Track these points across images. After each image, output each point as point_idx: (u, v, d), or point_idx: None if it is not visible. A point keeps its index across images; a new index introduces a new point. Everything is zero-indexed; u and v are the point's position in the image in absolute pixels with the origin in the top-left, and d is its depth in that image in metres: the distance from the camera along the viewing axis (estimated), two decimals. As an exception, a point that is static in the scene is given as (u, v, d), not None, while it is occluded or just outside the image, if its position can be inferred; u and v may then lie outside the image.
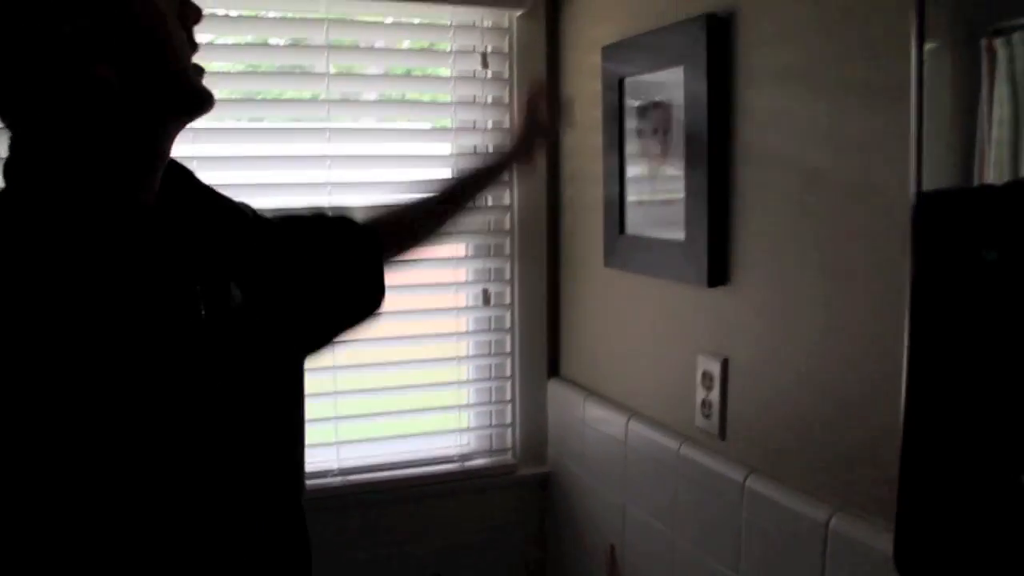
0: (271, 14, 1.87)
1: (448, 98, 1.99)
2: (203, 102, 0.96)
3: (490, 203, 2.02)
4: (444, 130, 2.00)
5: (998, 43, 0.93)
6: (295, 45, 1.91)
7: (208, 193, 1.08)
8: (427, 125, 2.05)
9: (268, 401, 1.07)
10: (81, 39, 0.84)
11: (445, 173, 2.01)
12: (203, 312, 0.95)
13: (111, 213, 0.90)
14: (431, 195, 1.47)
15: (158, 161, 0.96)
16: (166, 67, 0.91)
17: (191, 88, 0.95)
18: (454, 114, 1.98)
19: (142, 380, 0.86)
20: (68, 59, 0.85)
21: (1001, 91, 0.90)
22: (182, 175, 1.04)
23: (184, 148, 1.71)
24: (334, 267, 1.27)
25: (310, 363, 1.21)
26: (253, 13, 1.84)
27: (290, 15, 1.88)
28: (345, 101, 1.89)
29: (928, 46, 0.97)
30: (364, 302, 1.33)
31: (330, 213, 1.35)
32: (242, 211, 1.14)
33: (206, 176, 1.09)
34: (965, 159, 0.97)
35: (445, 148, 2.01)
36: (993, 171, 0.93)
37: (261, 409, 1.05)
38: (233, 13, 1.81)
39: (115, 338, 0.84)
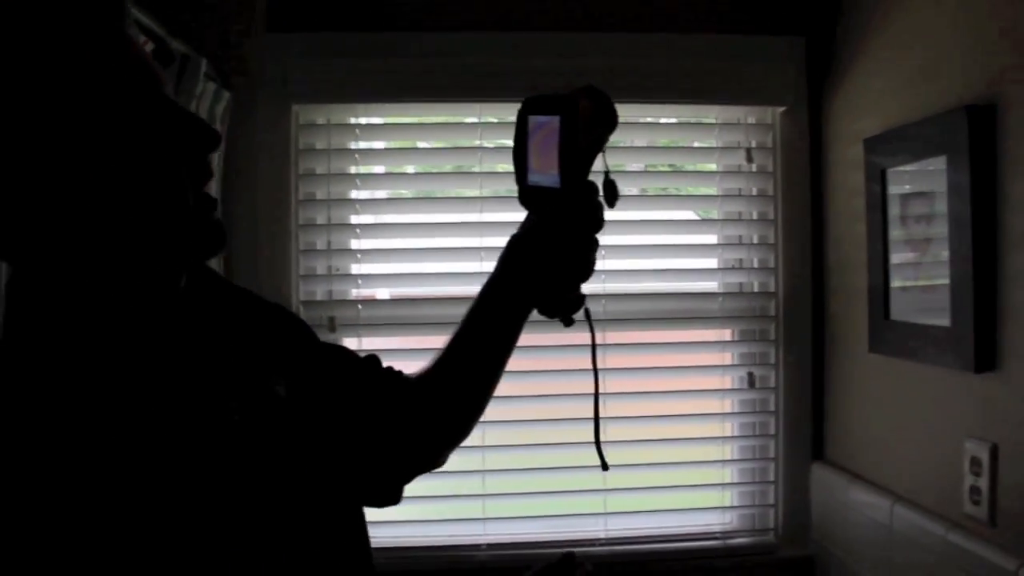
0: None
1: (714, 191, 2.12)
2: (205, 246, 0.84)
3: (756, 290, 2.11)
4: (710, 221, 2.13)
5: None
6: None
7: (242, 292, 1.00)
8: (694, 216, 2.18)
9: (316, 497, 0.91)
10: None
11: (711, 262, 2.13)
12: (236, 410, 0.84)
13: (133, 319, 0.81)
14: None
15: (175, 291, 0.85)
16: (150, 217, 0.77)
17: (182, 232, 0.80)
18: (720, 206, 2.11)
19: (170, 489, 0.74)
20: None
21: None
22: (209, 278, 0.95)
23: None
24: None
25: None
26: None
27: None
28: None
29: None
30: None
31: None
32: (284, 308, 1.05)
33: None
34: None
35: (711, 238, 2.13)
36: None
37: (308, 506, 0.89)
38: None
39: (137, 442, 0.74)
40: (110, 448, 0.72)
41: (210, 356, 0.86)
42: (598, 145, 1.01)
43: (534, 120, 0.98)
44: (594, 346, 1.07)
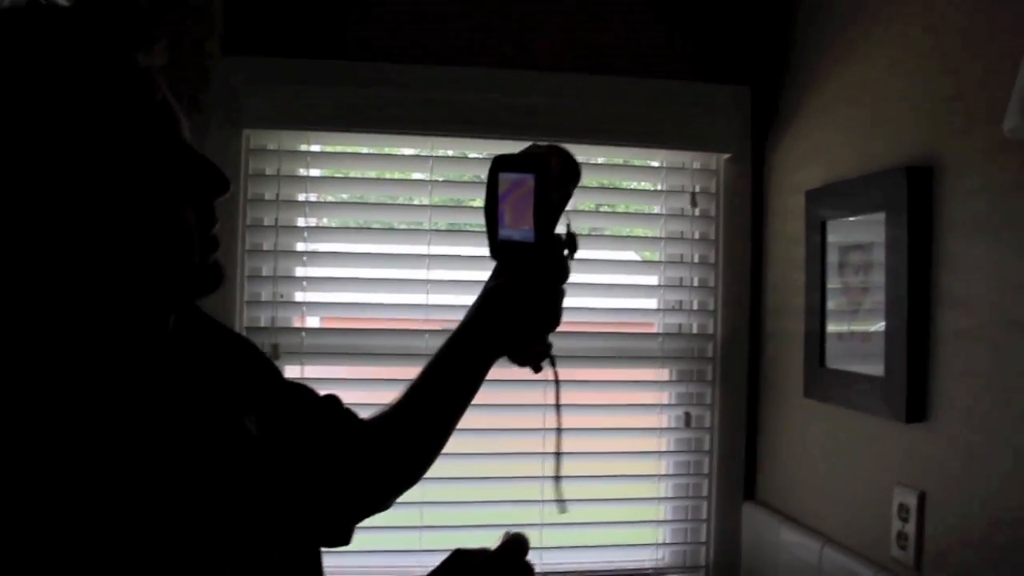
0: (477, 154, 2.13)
1: (658, 233, 2.16)
2: (203, 287, 0.85)
3: (695, 331, 2.16)
4: (653, 263, 2.18)
5: None
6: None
7: (217, 325, 1.01)
8: (636, 257, 2.22)
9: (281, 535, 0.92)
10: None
11: (652, 303, 2.17)
12: (214, 442, 0.85)
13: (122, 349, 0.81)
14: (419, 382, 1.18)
15: (164, 328, 0.86)
16: (155, 256, 0.79)
17: (186, 276, 0.82)
18: (663, 248, 2.16)
19: (144, 520, 0.73)
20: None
21: None
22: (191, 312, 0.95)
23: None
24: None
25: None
26: (467, 154, 2.10)
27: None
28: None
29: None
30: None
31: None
32: (254, 344, 1.08)
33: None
34: None
35: (653, 279, 2.18)
36: None
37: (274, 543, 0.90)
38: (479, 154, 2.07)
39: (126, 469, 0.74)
40: (86, 475, 0.71)
41: (190, 389, 0.87)
42: (566, 201, 1.07)
43: (506, 177, 1.04)
44: (558, 389, 1.13)
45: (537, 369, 1.12)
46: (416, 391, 1.15)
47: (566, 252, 1.07)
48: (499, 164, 1.05)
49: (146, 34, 0.81)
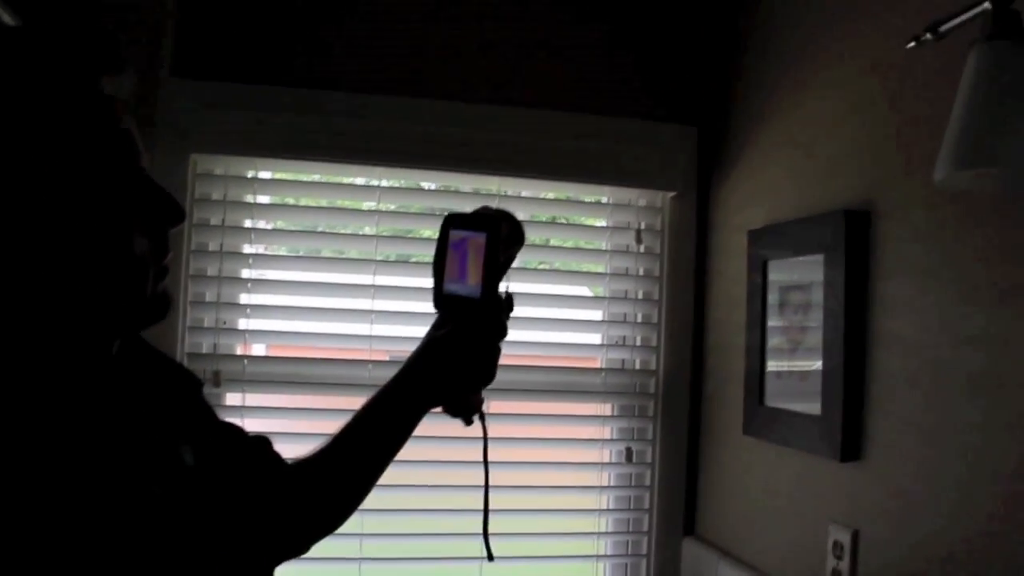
0: (426, 185, 2.17)
1: (603, 268, 2.18)
2: (151, 316, 0.86)
3: (638, 367, 2.18)
4: (597, 298, 2.20)
5: None
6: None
7: (158, 354, 1.01)
8: (586, 292, 2.24)
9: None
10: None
11: (595, 338, 2.19)
12: (155, 477, 0.84)
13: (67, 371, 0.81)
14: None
15: (108, 354, 0.86)
16: (108, 284, 0.79)
17: (137, 305, 0.83)
18: (608, 284, 2.18)
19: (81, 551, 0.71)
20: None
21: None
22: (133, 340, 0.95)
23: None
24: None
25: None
26: (414, 185, 2.12)
27: (465, 189, 2.13)
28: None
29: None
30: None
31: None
32: (192, 374, 1.07)
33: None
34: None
35: (597, 315, 2.20)
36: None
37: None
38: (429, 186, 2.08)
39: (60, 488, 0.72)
40: (23, 500, 0.69)
41: (130, 413, 0.87)
42: (510, 263, 1.12)
43: (457, 234, 1.07)
44: (486, 443, 1.16)
45: (468, 422, 1.14)
46: (345, 436, 1.16)
47: (504, 312, 1.11)
48: (451, 221, 1.08)
49: (113, 59, 0.82)
